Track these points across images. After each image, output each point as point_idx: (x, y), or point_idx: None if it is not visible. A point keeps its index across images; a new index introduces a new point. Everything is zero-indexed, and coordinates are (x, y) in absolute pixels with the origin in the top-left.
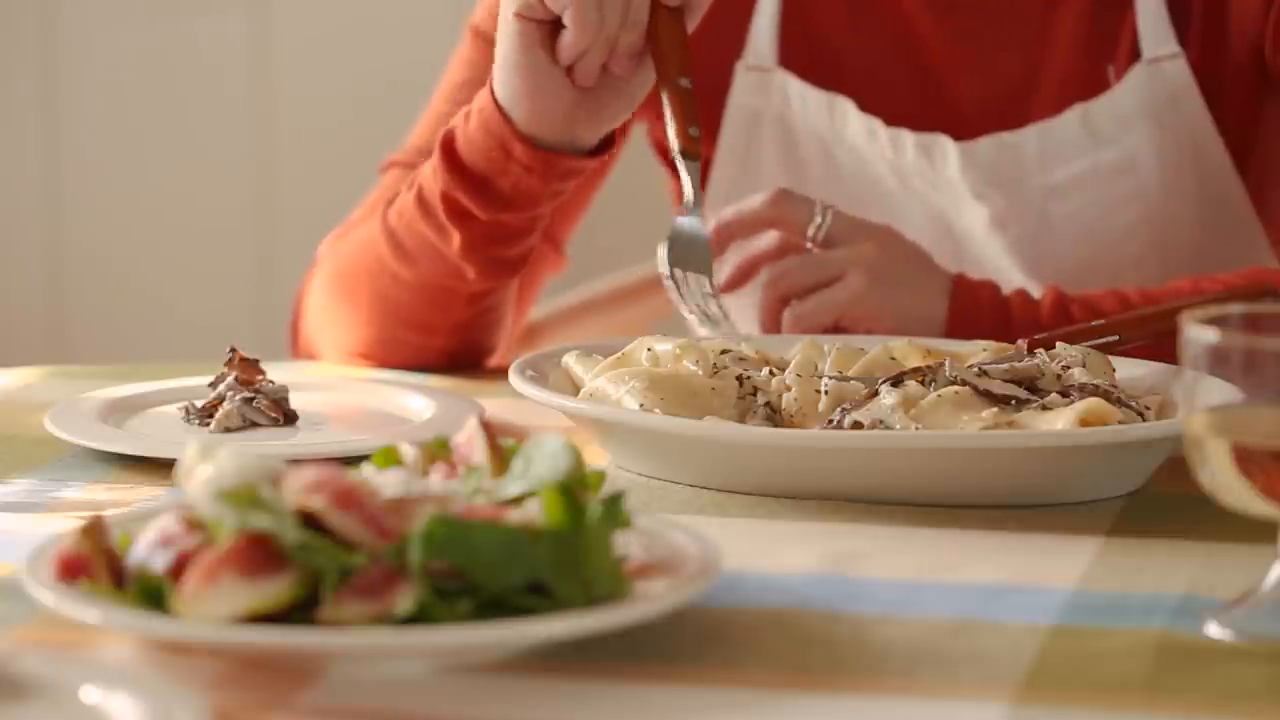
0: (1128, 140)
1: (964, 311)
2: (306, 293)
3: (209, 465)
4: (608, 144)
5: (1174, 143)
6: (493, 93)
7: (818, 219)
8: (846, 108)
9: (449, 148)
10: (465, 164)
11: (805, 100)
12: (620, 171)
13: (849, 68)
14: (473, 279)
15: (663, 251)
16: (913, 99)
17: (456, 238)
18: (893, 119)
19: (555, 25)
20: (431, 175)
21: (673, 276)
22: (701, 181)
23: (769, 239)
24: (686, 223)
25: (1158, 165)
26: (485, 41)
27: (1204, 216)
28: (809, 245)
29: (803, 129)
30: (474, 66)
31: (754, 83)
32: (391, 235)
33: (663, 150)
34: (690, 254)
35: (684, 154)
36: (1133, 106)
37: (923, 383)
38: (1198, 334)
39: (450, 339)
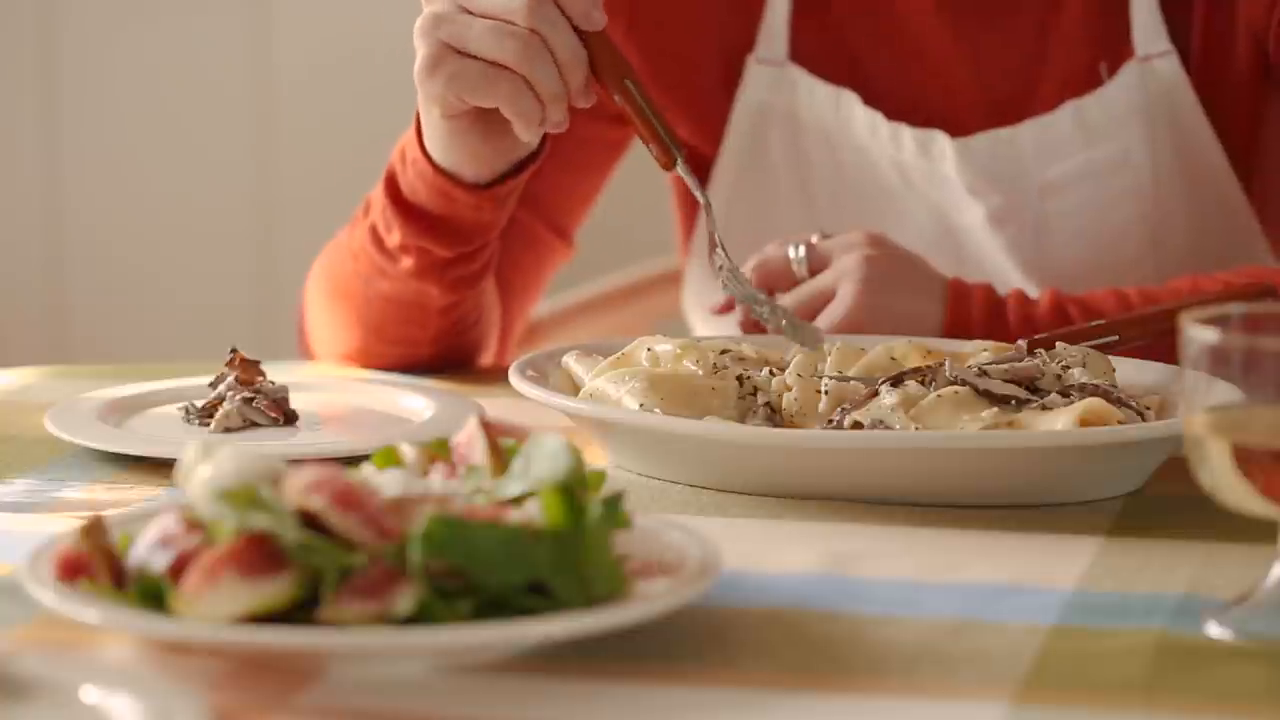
0: (1121, 137)
1: (960, 313)
2: (306, 292)
3: (209, 465)
4: (540, 147)
5: (1166, 140)
6: (425, 152)
7: (792, 253)
8: (852, 102)
9: (397, 196)
10: (415, 207)
11: (813, 95)
12: (621, 171)
13: (856, 62)
14: (437, 295)
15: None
16: (913, 93)
17: (414, 267)
18: (894, 113)
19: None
20: (381, 217)
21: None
22: (703, 179)
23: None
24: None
25: (1150, 162)
26: None
27: (1199, 214)
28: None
29: (810, 124)
30: None
31: (766, 77)
32: (358, 257)
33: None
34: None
35: (681, 162)
36: (1125, 104)
37: (923, 383)
38: (1198, 334)
39: (433, 347)
